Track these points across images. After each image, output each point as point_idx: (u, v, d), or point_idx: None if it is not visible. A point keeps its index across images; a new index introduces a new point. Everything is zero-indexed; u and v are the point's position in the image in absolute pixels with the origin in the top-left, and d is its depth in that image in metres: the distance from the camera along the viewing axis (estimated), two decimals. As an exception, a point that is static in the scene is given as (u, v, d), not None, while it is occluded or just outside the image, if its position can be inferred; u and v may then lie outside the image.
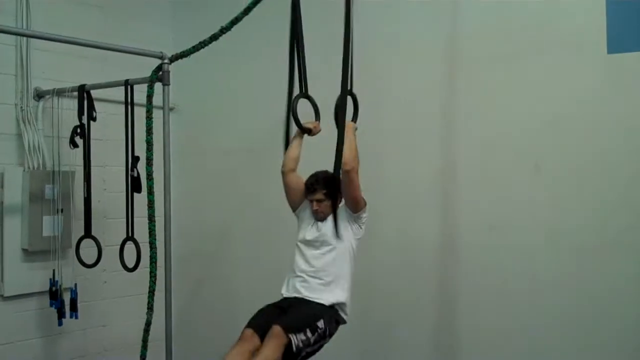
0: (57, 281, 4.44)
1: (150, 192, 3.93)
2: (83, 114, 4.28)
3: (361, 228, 3.63)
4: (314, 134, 3.76)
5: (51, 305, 4.44)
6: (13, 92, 4.48)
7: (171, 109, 4.20)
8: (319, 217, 3.65)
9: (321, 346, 3.47)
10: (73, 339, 4.76)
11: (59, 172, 4.47)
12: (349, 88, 3.41)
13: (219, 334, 5.26)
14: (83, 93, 4.29)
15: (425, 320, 4.29)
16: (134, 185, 4.15)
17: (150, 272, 3.99)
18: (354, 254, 3.62)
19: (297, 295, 3.60)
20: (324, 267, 3.56)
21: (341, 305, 3.57)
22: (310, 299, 3.54)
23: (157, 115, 3.96)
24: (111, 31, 4.93)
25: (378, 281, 4.41)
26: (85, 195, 4.37)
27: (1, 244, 4.38)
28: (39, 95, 4.55)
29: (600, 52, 3.67)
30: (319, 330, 3.39)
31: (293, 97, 3.63)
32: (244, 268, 5.14)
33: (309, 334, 3.34)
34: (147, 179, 3.94)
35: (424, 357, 4.29)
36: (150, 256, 3.98)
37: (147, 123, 3.93)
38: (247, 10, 3.68)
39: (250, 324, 3.49)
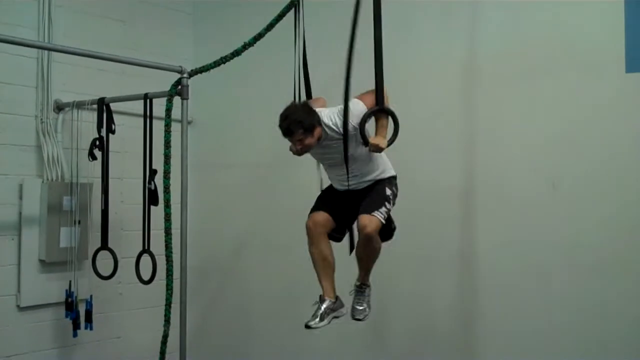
0: (72, 292, 4.47)
1: (167, 205, 3.96)
2: (102, 127, 4.33)
3: None
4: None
5: (66, 316, 4.47)
6: (33, 104, 4.54)
7: (189, 122, 4.22)
8: (307, 150, 3.47)
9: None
10: (88, 350, 4.78)
11: (77, 184, 4.51)
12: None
13: (234, 346, 5.29)
14: (102, 106, 4.33)
15: (442, 337, 4.29)
16: (151, 198, 4.18)
17: (167, 285, 4.01)
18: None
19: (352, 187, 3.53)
20: (361, 174, 3.50)
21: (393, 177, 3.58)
22: (368, 183, 3.52)
23: (174, 128, 4.00)
24: (131, 44, 5.00)
25: (393, 299, 4.41)
26: (103, 207, 4.40)
27: (18, 254, 4.43)
28: (59, 108, 4.60)
29: (619, 71, 3.66)
30: (391, 197, 3.47)
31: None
32: (260, 281, 5.15)
33: (387, 203, 3.43)
34: (165, 191, 3.96)
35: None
36: (167, 269, 4.00)
37: (165, 136, 3.96)
38: (270, 27, 3.73)
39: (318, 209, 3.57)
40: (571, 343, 3.80)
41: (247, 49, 3.82)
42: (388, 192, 3.47)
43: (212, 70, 4.02)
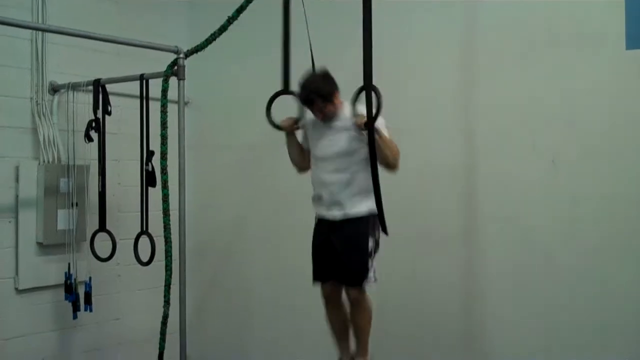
0: (71, 275, 4.46)
1: (165, 187, 3.94)
2: (98, 108, 4.30)
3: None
4: (287, 130, 3.70)
5: (66, 298, 4.47)
6: (28, 86, 4.49)
7: (186, 103, 4.19)
8: (329, 118, 3.48)
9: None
10: (87, 332, 4.78)
11: (74, 166, 4.49)
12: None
13: (233, 327, 5.31)
14: (98, 87, 4.30)
15: (441, 310, 4.29)
16: (148, 179, 4.15)
17: (166, 266, 4.01)
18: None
19: (334, 215, 3.50)
20: (349, 181, 3.45)
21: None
22: (350, 217, 3.46)
23: (171, 109, 3.97)
24: (126, 25, 4.92)
25: (391, 279, 4.40)
26: (100, 189, 4.39)
27: (16, 237, 4.40)
28: (54, 89, 4.56)
29: (619, 48, 3.64)
30: (373, 250, 3.47)
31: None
32: (259, 261, 5.15)
33: (370, 262, 3.45)
34: (162, 173, 3.95)
35: (439, 341, 4.31)
36: (166, 250, 4.00)
37: (161, 117, 3.94)
38: None
39: (320, 278, 3.61)
40: (572, 321, 3.81)
41: (232, 22, 3.80)
42: (371, 244, 3.44)
43: (208, 50, 3.98)
